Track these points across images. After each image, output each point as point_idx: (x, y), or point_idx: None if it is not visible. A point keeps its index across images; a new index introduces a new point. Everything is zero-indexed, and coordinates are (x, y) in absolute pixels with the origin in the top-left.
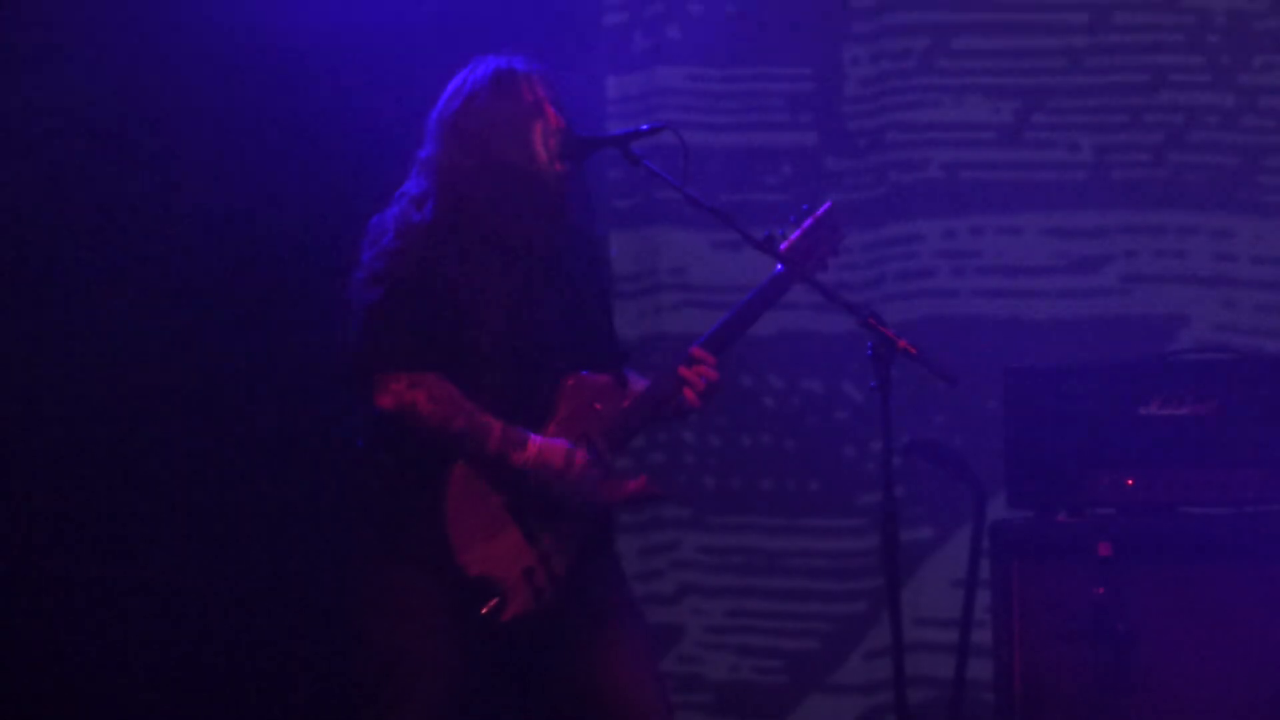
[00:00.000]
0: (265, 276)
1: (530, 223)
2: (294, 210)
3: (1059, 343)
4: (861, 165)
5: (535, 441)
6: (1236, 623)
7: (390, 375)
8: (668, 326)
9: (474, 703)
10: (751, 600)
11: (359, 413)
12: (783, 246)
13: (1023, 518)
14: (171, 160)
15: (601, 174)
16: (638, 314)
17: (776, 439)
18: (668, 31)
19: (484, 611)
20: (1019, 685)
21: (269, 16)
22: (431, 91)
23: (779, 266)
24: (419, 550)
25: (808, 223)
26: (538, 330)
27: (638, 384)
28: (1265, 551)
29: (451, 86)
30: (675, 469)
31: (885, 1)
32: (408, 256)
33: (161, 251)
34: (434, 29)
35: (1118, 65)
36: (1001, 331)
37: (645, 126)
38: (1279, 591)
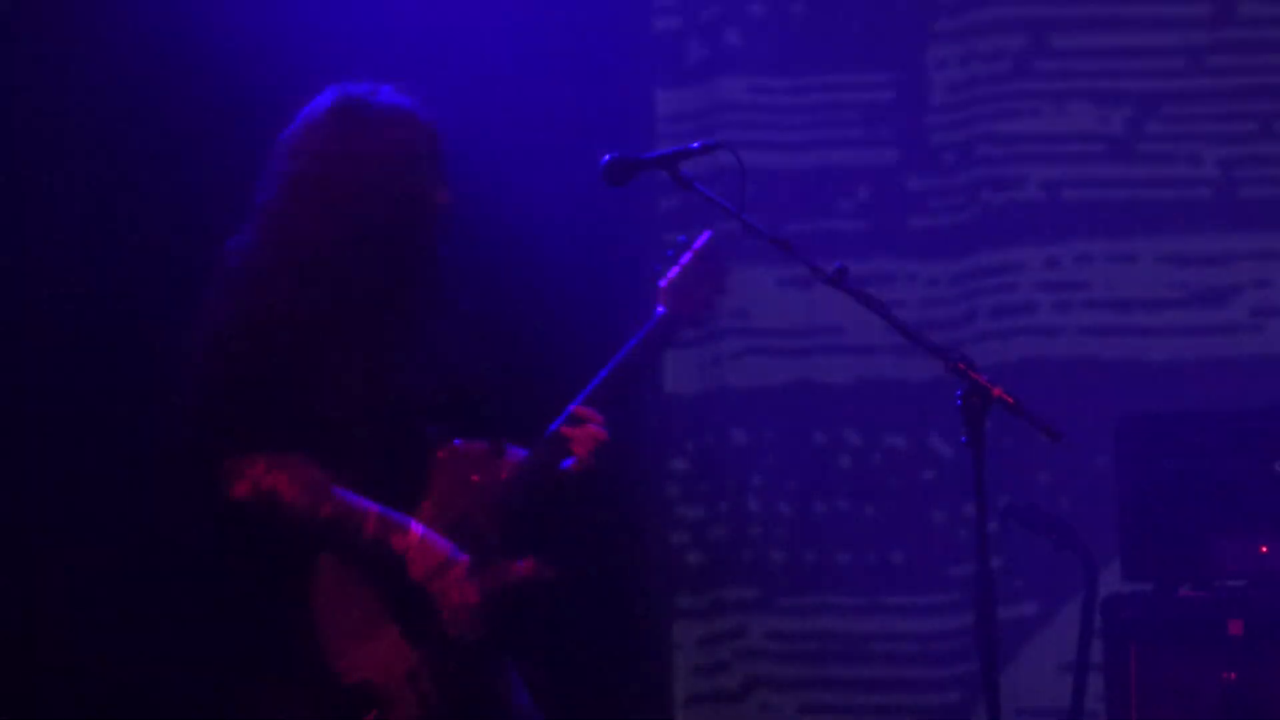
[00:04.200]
0: None
1: (389, 271)
2: None
3: (1180, 388)
4: (949, 185)
5: (417, 529)
6: None
7: (246, 459)
8: (730, 379)
9: None
10: (829, 693)
11: (195, 509)
12: (662, 283)
13: (1140, 592)
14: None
15: (651, 203)
16: (696, 366)
17: (855, 505)
18: (726, 37)
19: None
20: None
21: (289, 23)
22: (464, 100)
23: (659, 308)
24: (286, 662)
25: (686, 256)
26: (395, 399)
27: (517, 453)
28: None
29: (298, 119)
30: (739, 543)
31: None
32: (252, 313)
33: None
34: (465, 35)
35: (1245, 65)
36: (1113, 375)
37: (696, 144)
38: None
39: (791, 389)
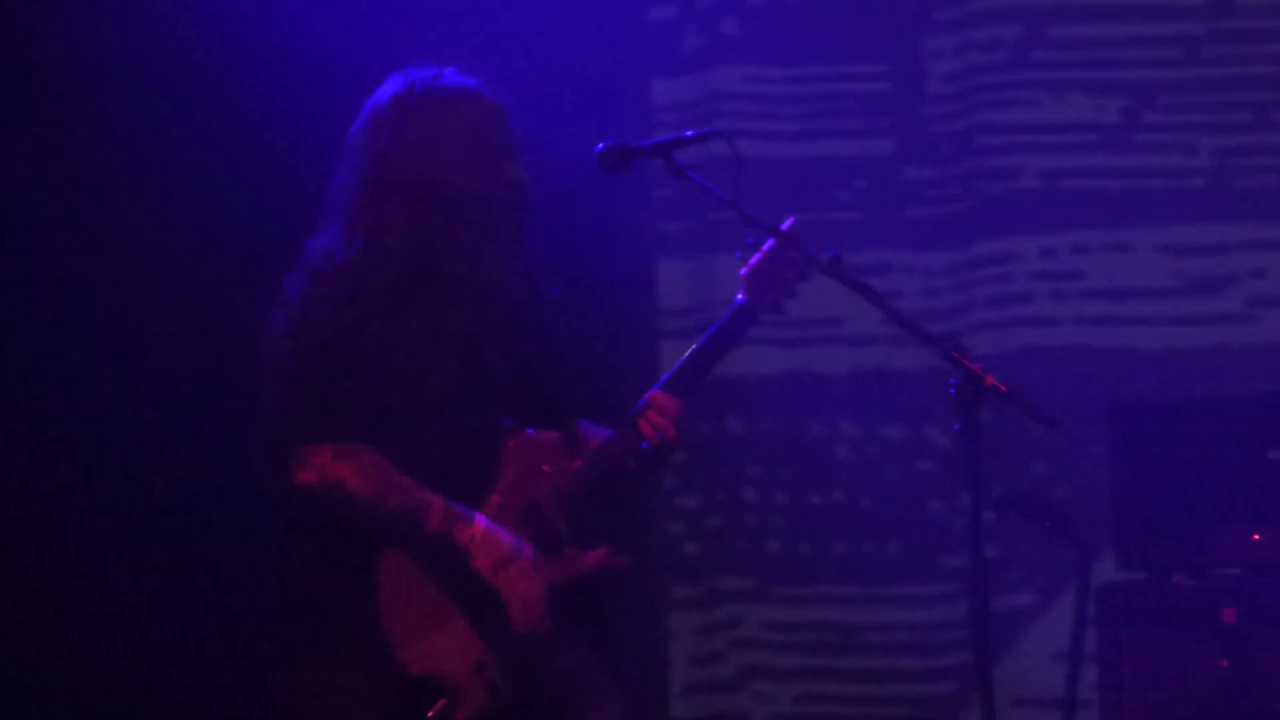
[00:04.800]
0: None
1: (473, 261)
2: None
3: (1175, 377)
4: (946, 175)
5: (481, 522)
6: None
7: (312, 447)
8: (726, 369)
9: None
10: (825, 683)
11: (277, 493)
12: (743, 271)
13: (1133, 580)
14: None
15: (646, 193)
16: None
17: (851, 495)
18: (723, 26)
19: (431, 715)
20: None
21: (279, 21)
22: None
23: (740, 296)
24: (352, 650)
25: (768, 243)
26: (477, 387)
27: (595, 437)
28: None
29: (370, 104)
30: (734, 533)
31: None
32: (335, 303)
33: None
34: (461, 23)
35: (1241, 55)
36: (1109, 365)
37: (691, 133)
38: None
39: (788, 379)
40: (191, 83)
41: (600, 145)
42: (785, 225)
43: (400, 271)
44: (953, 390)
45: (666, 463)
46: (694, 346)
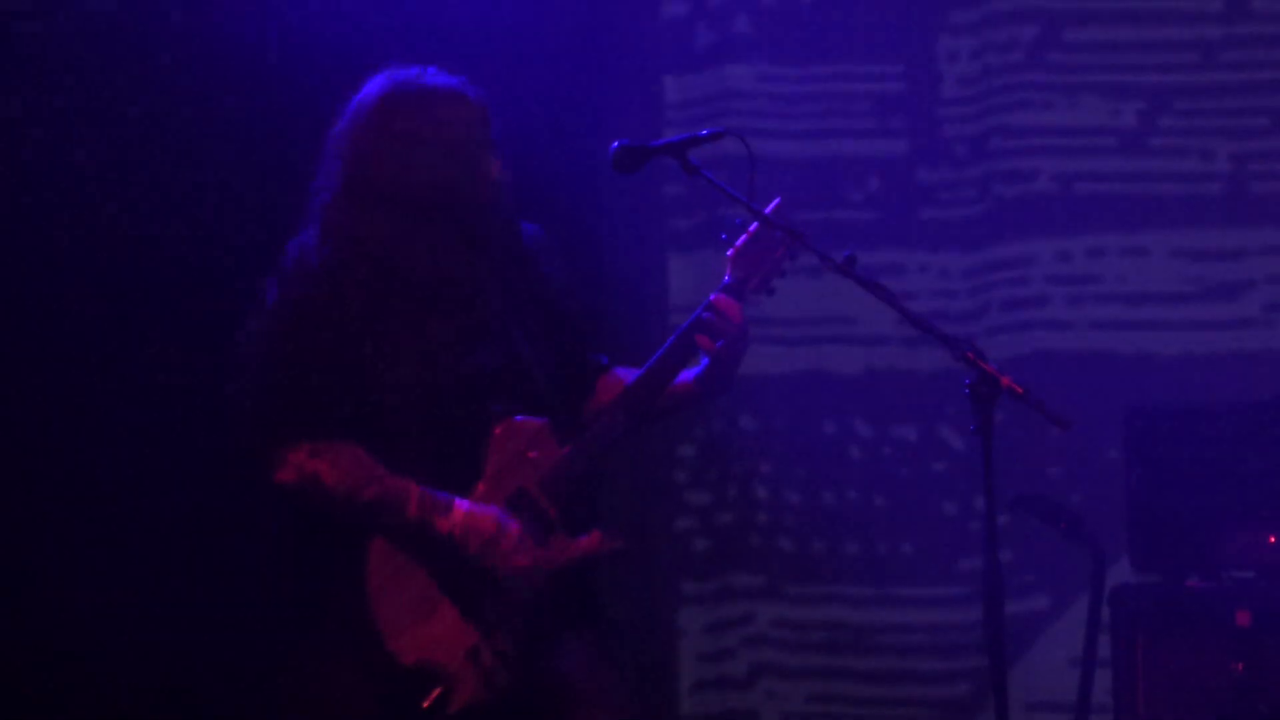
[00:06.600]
0: None
1: (448, 254)
2: None
3: (1191, 381)
4: (961, 177)
5: (461, 506)
6: None
7: (289, 447)
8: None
9: None
10: (837, 683)
11: (263, 490)
12: (729, 252)
13: (1148, 583)
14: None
15: (657, 189)
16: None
17: (864, 495)
18: (736, 24)
19: (426, 705)
20: None
21: (278, 16)
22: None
23: (726, 278)
24: (342, 641)
25: (754, 225)
26: (462, 378)
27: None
28: None
29: (351, 106)
30: (746, 529)
31: None
32: (306, 305)
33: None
34: (474, 19)
35: (1258, 60)
36: (1124, 369)
37: (705, 132)
38: None
39: (801, 378)
40: (186, 79)
41: (615, 144)
42: (769, 207)
43: (372, 275)
44: (967, 391)
45: (729, 381)
46: (679, 329)
